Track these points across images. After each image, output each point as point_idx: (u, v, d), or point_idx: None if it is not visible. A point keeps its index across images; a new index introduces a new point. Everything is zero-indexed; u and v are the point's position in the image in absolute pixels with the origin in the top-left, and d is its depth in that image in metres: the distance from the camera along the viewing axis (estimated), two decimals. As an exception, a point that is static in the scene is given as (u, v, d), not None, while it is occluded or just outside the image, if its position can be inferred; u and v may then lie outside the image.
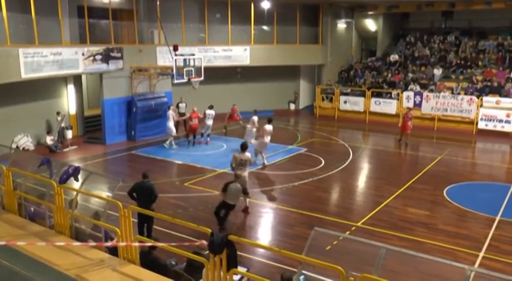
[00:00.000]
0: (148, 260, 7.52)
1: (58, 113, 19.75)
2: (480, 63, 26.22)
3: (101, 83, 20.32)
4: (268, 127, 16.84)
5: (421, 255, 5.71)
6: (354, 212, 12.71)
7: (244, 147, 12.59)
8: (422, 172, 16.13)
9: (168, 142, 19.38)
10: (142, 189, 10.10)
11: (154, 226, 10.28)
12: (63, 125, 19.73)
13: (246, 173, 12.50)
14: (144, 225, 10.08)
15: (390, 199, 13.40)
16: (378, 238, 10.13)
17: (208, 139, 20.05)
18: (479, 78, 24.80)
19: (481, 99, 22.88)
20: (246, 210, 12.31)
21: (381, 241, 7.44)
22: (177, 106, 22.29)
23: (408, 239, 10.68)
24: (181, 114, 22.31)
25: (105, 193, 11.90)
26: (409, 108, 21.54)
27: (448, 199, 13.32)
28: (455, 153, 18.96)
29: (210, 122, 19.82)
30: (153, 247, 7.58)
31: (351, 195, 14.26)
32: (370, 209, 12.55)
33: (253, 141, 17.63)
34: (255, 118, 18.44)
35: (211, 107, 19.98)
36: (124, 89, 20.84)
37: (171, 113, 19.57)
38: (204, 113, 19.78)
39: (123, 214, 7.33)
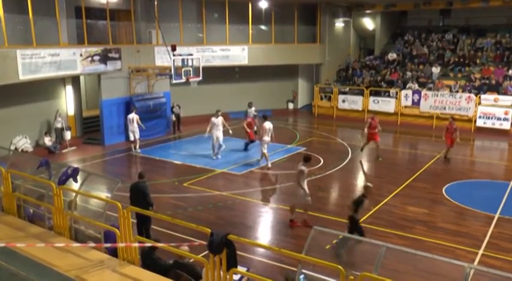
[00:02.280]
0: (150, 260, 7.52)
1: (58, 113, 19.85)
2: (478, 61, 26.22)
3: (99, 83, 20.32)
4: (268, 125, 16.37)
5: (421, 253, 5.72)
6: (353, 211, 12.71)
7: (306, 159, 11.55)
8: (421, 170, 16.15)
9: (137, 148, 18.92)
10: (136, 190, 10.12)
11: (154, 227, 10.30)
12: (60, 125, 19.70)
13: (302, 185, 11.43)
14: (143, 226, 10.09)
15: (389, 197, 13.42)
16: (378, 237, 10.12)
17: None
18: (478, 76, 24.82)
19: (479, 97, 22.89)
20: (305, 224, 11.34)
21: (381, 240, 7.43)
22: (172, 111, 22.29)
23: (407, 237, 10.70)
24: (177, 115, 22.31)
25: (104, 194, 11.90)
26: (453, 118, 18.40)
27: (447, 197, 13.34)
28: (454, 151, 18.95)
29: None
30: (154, 248, 7.59)
31: (350, 194, 14.22)
32: (369, 208, 12.56)
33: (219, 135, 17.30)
34: (215, 119, 17.40)
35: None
36: (122, 89, 20.84)
37: (134, 116, 18.89)
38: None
39: (123, 215, 7.33)
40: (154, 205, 10.22)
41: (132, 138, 18.93)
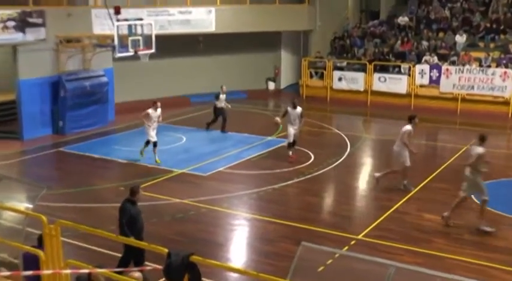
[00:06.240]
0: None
1: None
2: (517, 27, 26.47)
3: (15, 58, 19.95)
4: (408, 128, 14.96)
5: (442, 274, 5.74)
6: (354, 221, 12.82)
7: None
8: (442, 167, 16.32)
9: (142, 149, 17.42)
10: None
11: (91, 247, 10.26)
12: None
13: None
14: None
15: (400, 202, 13.53)
16: (385, 254, 10.22)
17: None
18: (516, 46, 25.09)
19: (518, 74, 23.18)
20: None
21: (389, 258, 7.50)
22: (217, 98, 20.50)
23: (423, 253, 10.81)
24: (219, 110, 20.59)
25: (24, 205, 11.70)
26: None
27: (476, 201, 13.47)
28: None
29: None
30: None
31: (349, 199, 14.35)
32: (375, 217, 12.65)
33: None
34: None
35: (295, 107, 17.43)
36: (48, 66, 20.54)
37: (150, 112, 17.16)
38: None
39: (49, 232, 7.19)
40: (123, 234, 9.48)
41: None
